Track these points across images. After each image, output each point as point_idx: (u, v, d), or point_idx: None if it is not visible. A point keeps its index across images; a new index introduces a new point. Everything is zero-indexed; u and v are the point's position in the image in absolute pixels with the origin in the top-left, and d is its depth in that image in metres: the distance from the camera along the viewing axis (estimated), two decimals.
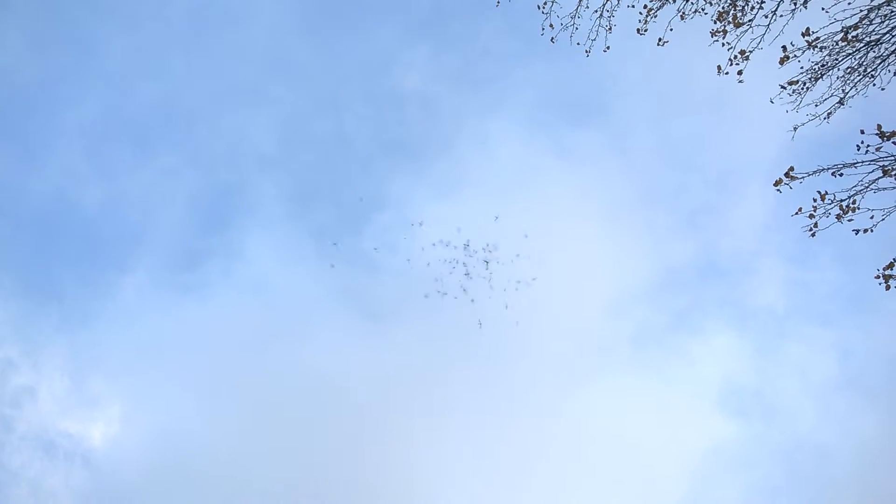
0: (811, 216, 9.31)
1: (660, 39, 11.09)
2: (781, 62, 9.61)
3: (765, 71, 10.24)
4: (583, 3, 11.22)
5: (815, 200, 9.27)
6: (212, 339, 26.24)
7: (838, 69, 9.33)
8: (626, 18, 11.28)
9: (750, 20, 9.96)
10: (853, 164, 8.82)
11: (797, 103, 9.69)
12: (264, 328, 26.89)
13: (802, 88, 9.62)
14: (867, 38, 9.08)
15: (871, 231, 8.82)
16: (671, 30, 10.90)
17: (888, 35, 9.03)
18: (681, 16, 10.72)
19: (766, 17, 9.91)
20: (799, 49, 9.44)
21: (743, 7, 10.05)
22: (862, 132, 8.93)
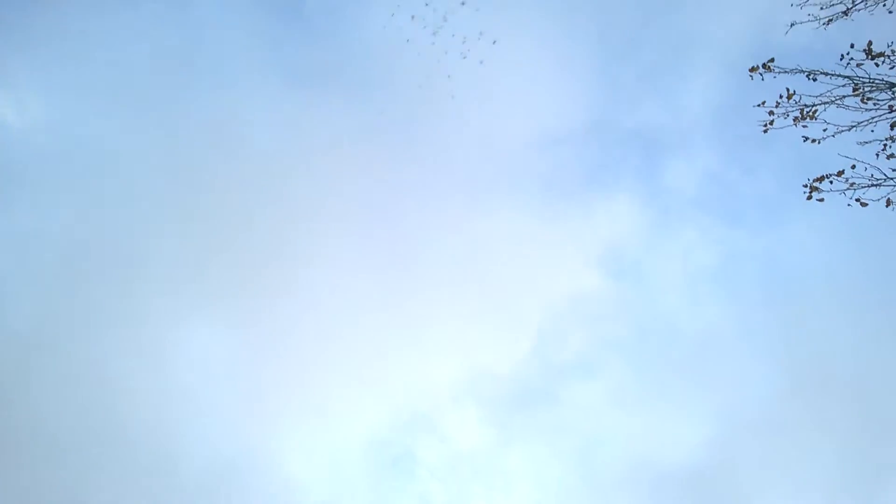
0: (771, 112, 9.64)
1: None
2: None
3: None
4: None
5: (780, 97, 9.56)
6: (135, 51, 24.42)
7: None
8: None
9: None
10: (830, 74, 9.07)
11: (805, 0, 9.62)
12: (186, 56, 25.23)
13: None
14: None
15: (819, 143, 9.30)
16: None
17: None
18: None
19: None
20: None
21: None
22: (851, 46, 9.11)
